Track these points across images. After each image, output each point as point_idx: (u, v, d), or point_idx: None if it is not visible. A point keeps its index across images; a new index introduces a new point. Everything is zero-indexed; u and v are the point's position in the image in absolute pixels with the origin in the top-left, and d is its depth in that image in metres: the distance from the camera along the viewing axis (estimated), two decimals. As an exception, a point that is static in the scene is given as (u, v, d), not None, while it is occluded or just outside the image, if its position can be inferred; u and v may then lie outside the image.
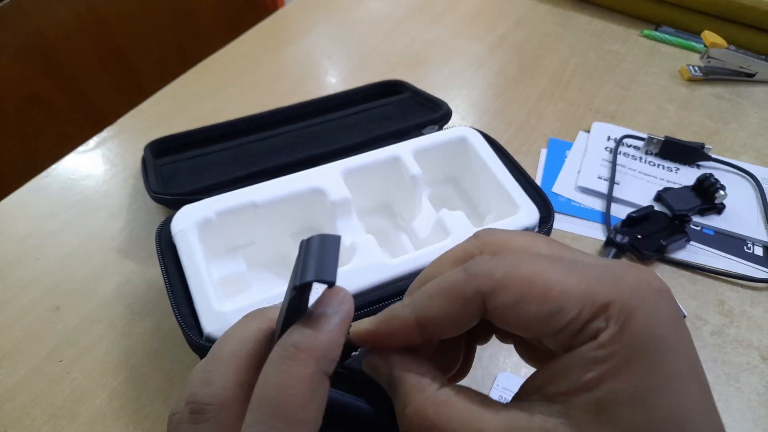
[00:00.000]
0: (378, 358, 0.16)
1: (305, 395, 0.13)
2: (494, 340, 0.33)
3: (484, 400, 0.15)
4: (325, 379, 0.14)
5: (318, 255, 0.14)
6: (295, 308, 0.14)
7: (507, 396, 0.29)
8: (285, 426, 0.13)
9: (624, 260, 0.15)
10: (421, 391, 0.14)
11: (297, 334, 0.14)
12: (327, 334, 0.14)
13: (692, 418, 0.13)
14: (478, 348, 0.31)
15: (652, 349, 0.13)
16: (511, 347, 0.33)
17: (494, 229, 0.16)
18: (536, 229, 0.31)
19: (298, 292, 0.14)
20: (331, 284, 0.14)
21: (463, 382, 0.31)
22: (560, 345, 0.14)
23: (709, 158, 0.43)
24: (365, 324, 0.15)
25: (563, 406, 0.13)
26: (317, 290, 0.15)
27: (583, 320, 0.13)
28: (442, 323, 0.14)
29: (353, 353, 0.16)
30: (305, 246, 0.14)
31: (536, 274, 0.14)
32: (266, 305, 0.26)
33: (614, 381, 0.13)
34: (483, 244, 0.16)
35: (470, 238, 0.16)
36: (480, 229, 0.16)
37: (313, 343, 0.14)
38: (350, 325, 0.15)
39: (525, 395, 0.15)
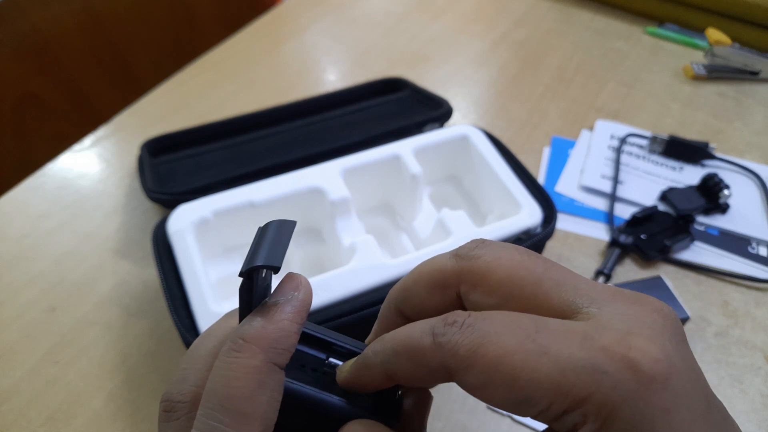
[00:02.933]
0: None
1: (251, 387, 0.13)
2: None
3: None
4: (275, 370, 0.13)
5: (269, 241, 0.14)
6: (247, 298, 0.14)
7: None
8: (230, 419, 0.13)
9: (620, 316, 0.12)
10: None
11: (246, 326, 0.14)
12: (276, 324, 0.14)
13: None
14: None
15: None
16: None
17: (480, 249, 0.14)
18: (539, 230, 0.31)
19: (244, 279, 0.13)
20: (274, 269, 0.13)
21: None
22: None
23: (714, 157, 0.42)
24: (345, 370, 0.15)
25: None
26: (277, 279, 0.14)
27: (556, 413, 0.11)
28: (410, 380, 0.14)
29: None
30: (259, 232, 0.14)
31: (503, 357, 0.12)
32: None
33: None
34: (462, 272, 0.14)
35: (452, 257, 0.14)
36: (464, 245, 0.14)
37: (260, 334, 0.14)
38: (305, 313, 0.14)
39: None
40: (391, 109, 0.42)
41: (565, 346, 0.11)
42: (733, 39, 0.49)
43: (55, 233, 0.37)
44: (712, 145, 0.42)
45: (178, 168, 0.37)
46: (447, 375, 0.13)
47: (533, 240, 0.30)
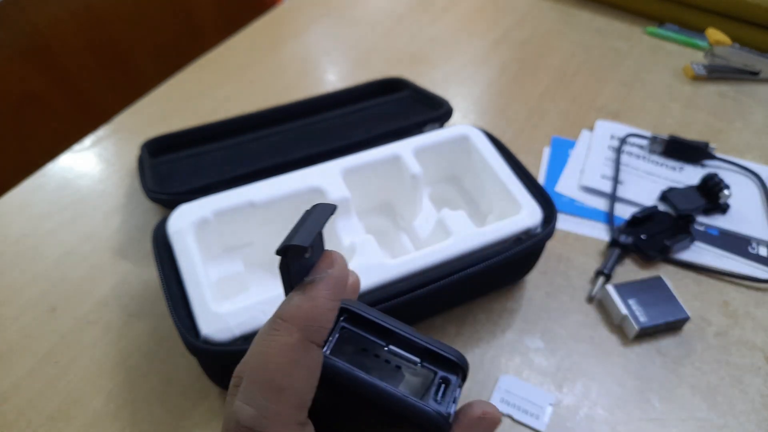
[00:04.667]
0: None
1: (287, 364, 0.14)
2: (496, 342, 0.33)
3: None
4: (311, 347, 0.14)
5: (307, 222, 0.14)
6: (285, 277, 0.14)
7: (509, 398, 0.29)
8: (267, 393, 0.13)
9: None
10: None
11: (284, 305, 0.14)
12: (310, 301, 0.14)
13: None
14: (480, 351, 0.31)
15: None
16: (513, 350, 0.32)
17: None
18: (539, 230, 0.31)
19: (281, 259, 0.14)
20: (302, 249, 0.13)
21: (466, 384, 0.31)
22: None
23: (714, 157, 0.42)
24: None
25: None
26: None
27: None
28: None
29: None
30: (303, 215, 0.15)
31: None
32: (264, 306, 0.26)
33: None
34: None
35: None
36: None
37: (296, 312, 0.14)
38: (340, 289, 0.15)
39: None
40: (391, 109, 0.42)
41: None
42: (733, 39, 0.49)
43: (56, 233, 0.37)
44: (712, 145, 0.42)
45: (179, 168, 0.37)
46: None
47: (533, 240, 0.30)
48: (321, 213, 0.14)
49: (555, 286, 0.34)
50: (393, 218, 0.36)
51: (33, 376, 0.30)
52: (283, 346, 0.14)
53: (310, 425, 0.14)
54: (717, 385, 0.30)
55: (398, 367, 0.16)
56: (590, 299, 0.33)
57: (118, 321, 0.32)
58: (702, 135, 0.45)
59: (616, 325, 0.32)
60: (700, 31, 0.53)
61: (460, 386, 0.16)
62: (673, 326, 0.32)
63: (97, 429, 0.28)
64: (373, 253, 0.29)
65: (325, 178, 0.32)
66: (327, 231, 0.32)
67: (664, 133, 0.43)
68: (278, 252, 0.14)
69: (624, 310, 0.31)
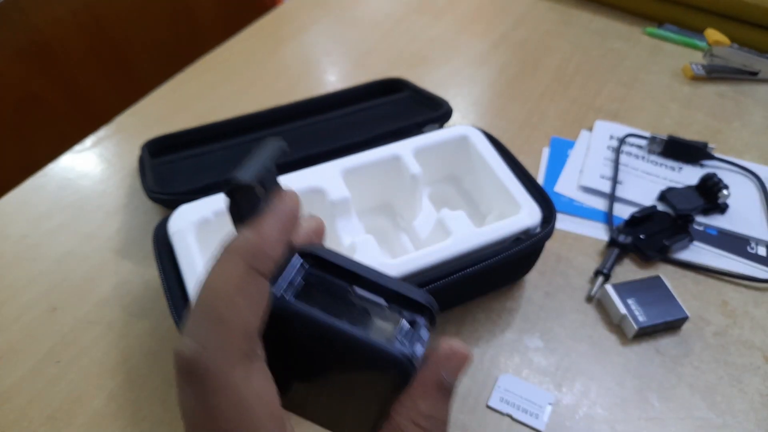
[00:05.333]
0: None
1: (229, 293, 0.13)
2: (496, 342, 0.33)
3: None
4: (256, 277, 0.14)
5: (251, 159, 0.14)
6: (232, 214, 0.14)
7: (508, 397, 0.29)
8: (209, 323, 0.13)
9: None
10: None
11: (231, 237, 0.14)
12: (256, 232, 0.14)
13: None
14: (480, 350, 0.31)
15: None
16: (512, 349, 0.32)
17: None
18: (538, 230, 0.31)
19: (226, 198, 0.14)
20: (243, 185, 0.13)
21: (465, 384, 0.31)
22: None
23: (713, 157, 0.42)
24: None
25: None
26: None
27: None
28: None
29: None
30: (251, 152, 0.14)
31: None
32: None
33: None
34: None
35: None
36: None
37: (240, 243, 0.14)
38: (289, 222, 0.15)
39: None
40: (391, 109, 0.43)
41: None
42: (732, 39, 0.49)
43: (56, 233, 0.37)
44: (711, 145, 0.42)
45: (179, 168, 0.37)
46: None
47: (532, 240, 0.30)
48: (268, 150, 0.14)
49: (554, 285, 0.34)
50: (393, 218, 0.36)
51: (34, 376, 0.30)
52: (225, 276, 0.13)
53: (258, 359, 0.14)
54: (716, 385, 0.30)
55: (367, 312, 0.15)
56: (589, 299, 0.34)
57: (119, 321, 0.32)
58: (701, 135, 0.45)
59: (615, 324, 0.32)
60: (699, 32, 0.53)
61: (429, 329, 0.15)
62: (672, 326, 0.32)
63: (98, 428, 0.28)
64: (373, 253, 0.29)
65: (325, 178, 0.32)
66: (328, 231, 0.33)
67: (663, 134, 0.43)
68: (223, 191, 0.14)
69: (623, 310, 0.32)
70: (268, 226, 0.14)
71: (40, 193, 0.39)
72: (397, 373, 0.14)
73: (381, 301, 0.15)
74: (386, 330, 0.15)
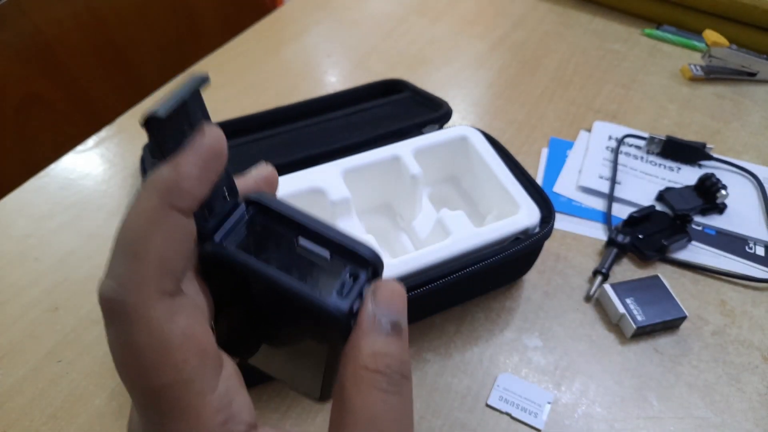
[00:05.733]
0: None
1: (144, 228, 0.13)
2: (495, 341, 0.33)
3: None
4: (172, 213, 0.13)
5: (171, 93, 0.13)
6: (156, 153, 0.14)
7: (508, 396, 0.29)
8: (124, 260, 0.13)
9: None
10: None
11: (148, 174, 0.14)
12: (172, 168, 0.13)
13: None
14: (479, 349, 0.31)
15: None
16: (511, 348, 0.32)
17: None
18: (537, 230, 0.31)
19: (145, 129, 0.13)
20: (155, 118, 0.13)
21: (464, 382, 0.31)
22: None
23: (711, 158, 0.42)
24: None
25: None
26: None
27: None
28: None
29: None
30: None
31: None
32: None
33: None
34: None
35: None
36: None
37: (156, 178, 0.13)
38: (210, 158, 0.14)
39: None
40: (391, 110, 0.43)
41: None
42: (731, 40, 0.49)
43: (59, 233, 0.37)
44: (709, 145, 0.43)
45: (180, 169, 0.38)
46: None
47: (531, 240, 0.30)
48: (192, 82, 0.14)
49: (553, 285, 0.34)
50: (393, 218, 0.36)
51: (36, 375, 0.30)
52: (140, 211, 0.13)
53: (184, 297, 0.13)
54: (714, 384, 0.30)
55: (310, 263, 0.15)
56: (588, 298, 0.34)
57: (121, 320, 0.32)
58: (699, 136, 0.45)
59: (614, 324, 0.32)
60: (697, 33, 0.54)
61: (369, 282, 0.15)
62: (671, 325, 0.32)
63: (100, 427, 0.28)
64: (373, 253, 0.29)
65: (326, 179, 0.32)
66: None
67: (662, 134, 0.43)
68: (143, 123, 0.13)
69: (621, 309, 0.32)
70: (186, 161, 0.13)
71: (42, 193, 0.40)
72: (333, 325, 0.14)
73: (325, 253, 0.15)
74: (326, 283, 0.14)
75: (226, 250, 0.14)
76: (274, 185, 0.17)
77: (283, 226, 0.15)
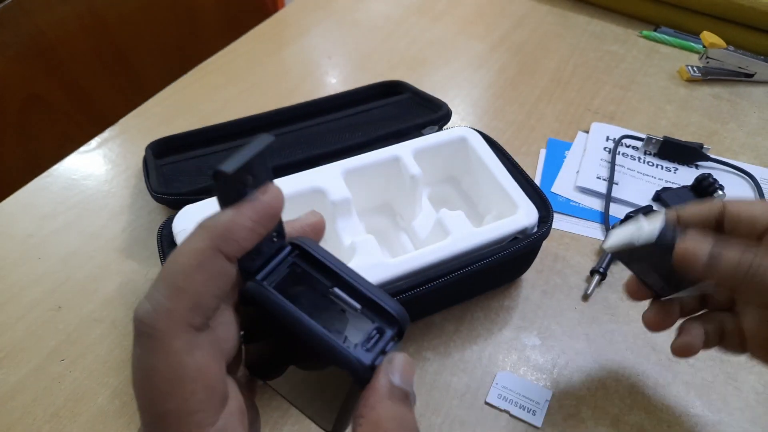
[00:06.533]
0: None
1: (190, 266, 0.14)
2: (494, 339, 0.33)
3: None
4: (219, 257, 0.14)
5: (240, 151, 0.15)
6: (218, 200, 0.15)
7: (506, 394, 0.29)
8: (165, 289, 0.14)
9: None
10: None
11: (208, 217, 0.15)
12: (229, 215, 0.15)
13: None
14: (478, 348, 0.32)
15: None
16: (510, 347, 0.33)
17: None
18: (535, 230, 0.31)
19: (213, 181, 0.15)
20: (224, 173, 0.14)
21: (464, 381, 0.31)
22: None
23: (708, 158, 0.43)
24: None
25: None
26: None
27: None
28: None
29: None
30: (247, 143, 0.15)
31: None
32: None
33: None
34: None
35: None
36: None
37: (212, 223, 0.15)
38: (266, 214, 0.15)
39: None
40: (391, 111, 0.43)
41: None
42: (728, 42, 0.50)
43: (61, 233, 0.37)
44: (706, 146, 0.43)
45: (183, 169, 0.38)
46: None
47: (530, 240, 0.30)
48: (258, 143, 0.15)
49: (551, 284, 0.35)
50: (393, 218, 0.36)
51: (38, 374, 0.30)
52: (191, 250, 0.14)
53: (209, 333, 0.15)
54: (711, 382, 0.30)
55: (341, 312, 0.16)
56: (585, 297, 0.34)
57: (124, 319, 0.33)
58: (696, 136, 0.45)
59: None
60: (695, 34, 0.54)
61: (395, 340, 0.16)
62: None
63: (102, 426, 0.28)
64: (373, 253, 0.29)
65: (326, 179, 0.32)
66: (329, 231, 0.33)
67: (659, 135, 0.43)
68: (212, 175, 0.14)
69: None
70: (243, 213, 0.15)
71: (45, 194, 0.40)
72: (353, 377, 0.15)
73: (356, 304, 0.16)
74: (353, 333, 0.16)
75: (266, 290, 0.16)
76: (320, 233, 0.18)
77: (321, 273, 0.16)
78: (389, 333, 0.16)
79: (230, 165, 0.14)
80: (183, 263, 0.14)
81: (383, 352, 0.16)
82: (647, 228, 0.20)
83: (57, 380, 0.30)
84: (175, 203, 0.33)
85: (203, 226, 0.15)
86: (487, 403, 0.29)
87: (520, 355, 0.31)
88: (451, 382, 0.30)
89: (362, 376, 0.15)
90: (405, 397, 0.15)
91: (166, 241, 0.30)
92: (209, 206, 0.31)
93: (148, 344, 0.14)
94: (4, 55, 0.49)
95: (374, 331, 0.16)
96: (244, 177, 0.15)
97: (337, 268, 0.16)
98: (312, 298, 0.16)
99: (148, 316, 0.14)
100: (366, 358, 0.15)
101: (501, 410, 0.29)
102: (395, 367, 0.15)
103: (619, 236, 0.21)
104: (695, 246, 0.20)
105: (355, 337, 0.15)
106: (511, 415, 0.29)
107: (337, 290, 0.16)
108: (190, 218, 0.30)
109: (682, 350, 0.24)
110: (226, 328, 0.16)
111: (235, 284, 0.16)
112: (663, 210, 0.17)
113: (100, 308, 0.33)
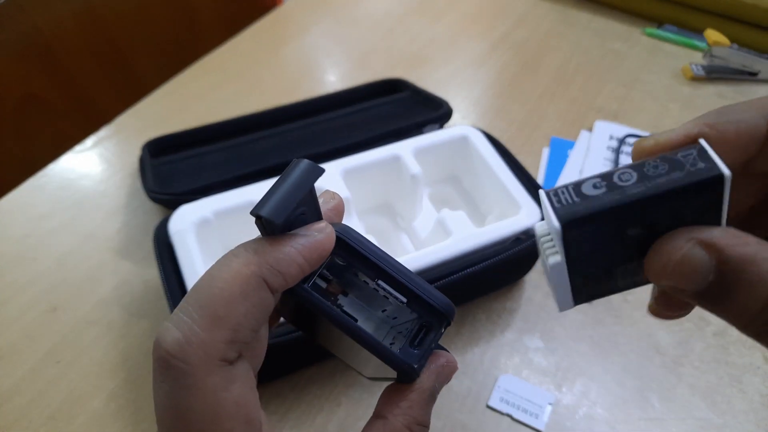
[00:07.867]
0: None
1: (233, 293, 0.12)
2: (496, 342, 0.33)
3: None
4: (263, 287, 0.13)
5: (286, 186, 0.13)
6: (261, 233, 0.14)
7: (508, 397, 0.29)
8: (201, 317, 0.12)
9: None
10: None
11: (253, 241, 0.14)
12: (280, 246, 0.13)
13: None
14: (480, 350, 0.31)
15: None
16: (512, 349, 0.32)
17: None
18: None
19: (257, 224, 0.13)
20: (269, 223, 0.13)
21: (465, 384, 0.31)
22: None
23: (712, 157, 0.42)
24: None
25: None
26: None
27: None
28: None
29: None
30: (288, 169, 0.14)
31: None
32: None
33: None
34: None
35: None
36: None
37: (262, 248, 0.13)
38: (317, 253, 0.14)
39: None
40: (391, 109, 0.43)
41: None
42: (732, 40, 0.49)
43: (57, 233, 0.37)
44: (710, 145, 0.42)
45: (179, 168, 0.37)
46: None
47: (532, 240, 0.30)
48: (302, 175, 0.14)
49: (554, 285, 0.34)
50: (393, 218, 0.36)
51: (34, 376, 0.30)
52: (235, 274, 0.13)
53: (243, 364, 0.13)
54: (716, 385, 0.30)
55: (387, 302, 0.16)
56: (589, 299, 0.34)
57: (120, 321, 0.32)
58: (701, 135, 0.45)
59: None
60: (698, 32, 0.53)
61: (440, 336, 0.16)
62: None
63: (98, 428, 0.28)
64: (373, 253, 0.29)
65: (325, 178, 0.32)
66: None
67: (663, 134, 0.43)
68: (253, 214, 0.13)
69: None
70: (297, 248, 0.13)
71: (41, 193, 0.39)
72: (400, 378, 0.15)
73: (402, 298, 0.15)
74: (398, 331, 0.15)
75: (311, 296, 0.15)
76: (341, 215, 0.17)
77: (363, 264, 0.15)
78: (436, 328, 0.15)
79: (278, 211, 0.13)
80: (224, 289, 0.12)
81: (428, 350, 0.15)
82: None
83: (53, 383, 0.30)
84: (171, 203, 0.33)
85: (250, 249, 0.13)
86: (488, 407, 0.29)
87: (523, 358, 0.31)
88: (453, 385, 0.30)
89: (409, 376, 0.15)
90: (434, 400, 0.15)
91: (162, 241, 0.30)
92: (205, 206, 0.30)
93: (181, 381, 0.12)
94: (1, 54, 0.48)
95: (421, 327, 0.15)
96: (282, 222, 0.13)
97: (380, 260, 0.15)
98: (356, 291, 0.15)
99: (178, 349, 0.12)
100: (413, 358, 0.15)
101: (503, 414, 0.29)
102: (445, 377, 0.15)
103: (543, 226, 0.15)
104: (757, 251, 0.12)
105: (396, 335, 0.15)
106: (514, 419, 0.28)
107: (381, 283, 0.15)
108: (186, 218, 0.30)
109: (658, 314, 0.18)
110: (260, 345, 0.14)
111: (273, 315, 0.15)
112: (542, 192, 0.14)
113: (96, 310, 0.33)
